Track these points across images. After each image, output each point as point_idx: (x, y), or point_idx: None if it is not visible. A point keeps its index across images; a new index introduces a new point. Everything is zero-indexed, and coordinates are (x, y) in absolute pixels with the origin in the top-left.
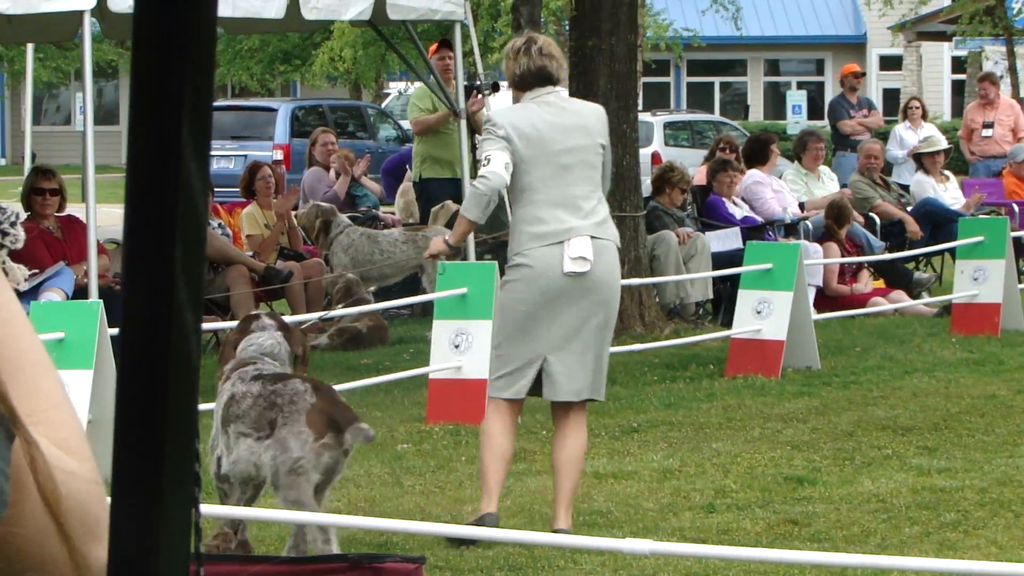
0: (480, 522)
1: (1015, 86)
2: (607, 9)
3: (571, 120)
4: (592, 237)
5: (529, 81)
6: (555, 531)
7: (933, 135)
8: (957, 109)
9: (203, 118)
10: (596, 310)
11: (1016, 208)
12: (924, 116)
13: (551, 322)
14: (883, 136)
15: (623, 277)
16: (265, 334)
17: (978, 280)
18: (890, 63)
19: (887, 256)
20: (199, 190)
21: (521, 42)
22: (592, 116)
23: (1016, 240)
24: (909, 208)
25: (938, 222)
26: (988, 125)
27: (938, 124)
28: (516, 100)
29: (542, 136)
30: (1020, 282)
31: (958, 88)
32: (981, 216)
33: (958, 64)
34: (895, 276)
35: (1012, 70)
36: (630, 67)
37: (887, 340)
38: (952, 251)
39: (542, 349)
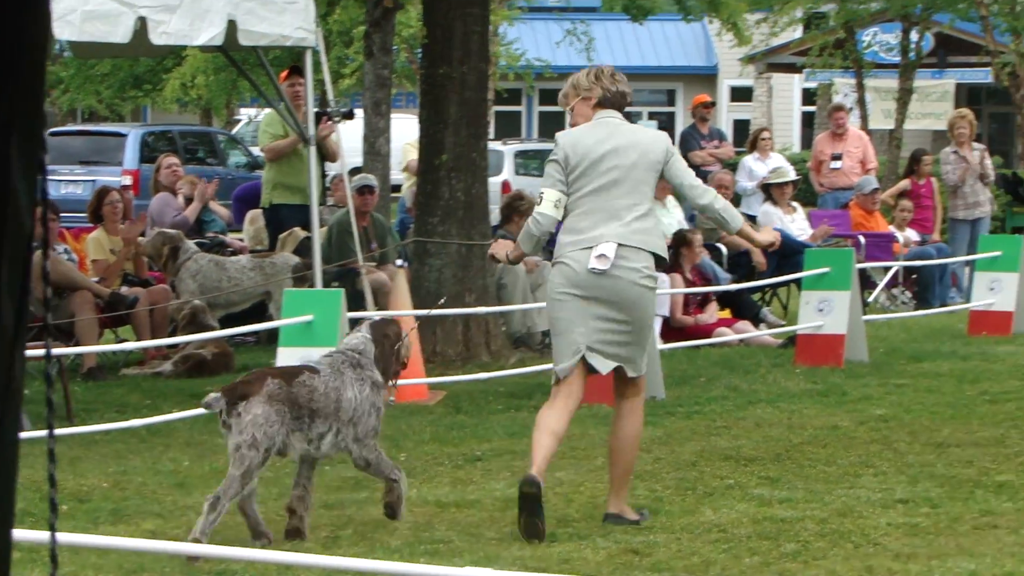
0: (522, 481)
1: (864, 118)
2: (458, 37)
3: (625, 140)
4: (620, 244)
5: (612, 102)
6: (605, 515)
7: (782, 166)
8: (807, 141)
9: (33, 137)
10: (620, 302)
11: (862, 240)
12: (773, 147)
13: (579, 310)
14: (733, 167)
15: (471, 305)
16: (357, 334)
17: (823, 311)
18: (741, 94)
19: (733, 287)
20: (26, 208)
21: (609, 69)
22: (650, 140)
23: (861, 272)
24: None
25: (785, 253)
26: (837, 157)
27: (788, 155)
28: (586, 118)
29: (591, 153)
30: (864, 313)
31: (808, 120)
32: (827, 247)
33: (808, 96)
34: (741, 307)
35: (861, 102)
36: (481, 95)
37: (732, 370)
38: (798, 282)
39: (582, 338)
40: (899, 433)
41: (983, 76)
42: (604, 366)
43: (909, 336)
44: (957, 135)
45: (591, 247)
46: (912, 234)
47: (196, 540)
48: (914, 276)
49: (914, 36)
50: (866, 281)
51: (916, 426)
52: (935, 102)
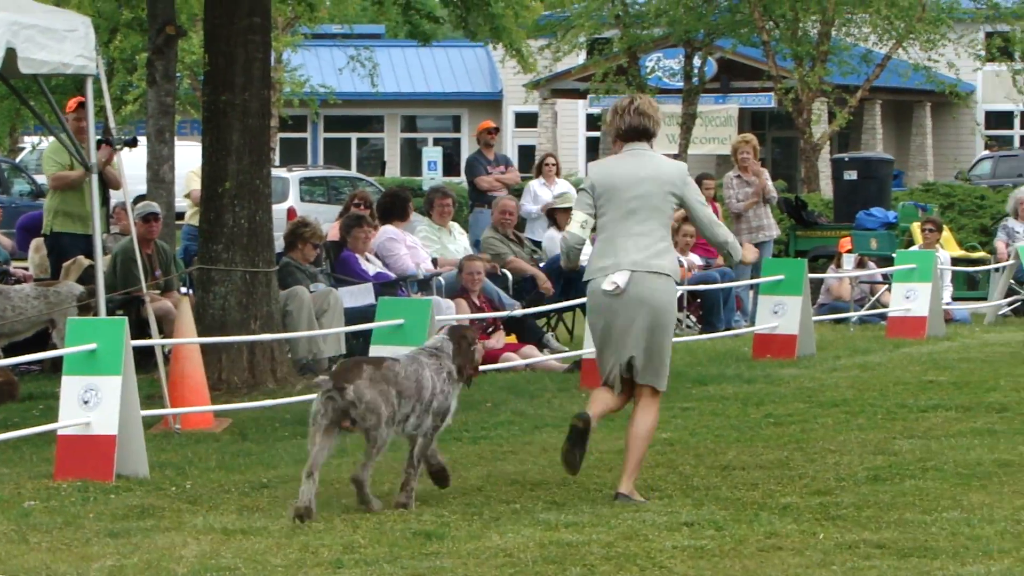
0: (576, 415)
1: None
2: (240, 64)
3: (645, 172)
4: (633, 271)
5: (628, 135)
6: (616, 494)
7: (567, 191)
8: None
9: None
10: (637, 318)
11: None
12: (558, 172)
13: (610, 329)
14: (519, 192)
15: (256, 332)
16: (438, 335)
17: None
18: (526, 120)
19: (519, 312)
20: None
21: (626, 102)
22: (668, 168)
23: None
24: (541, 264)
25: (569, 278)
26: None
27: (573, 181)
28: (618, 150)
29: (615, 185)
30: None
31: (593, 145)
32: None
33: (592, 121)
34: (527, 332)
35: None
36: (263, 122)
37: (518, 395)
38: (583, 307)
39: (614, 353)
40: (685, 456)
41: (766, 101)
42: (646, 377)
43: (694, 360)
44: (740, 160)
45: (609, 274)
46: (696, 258)
47: (303, 510)
48: (699, 300)
49: (697, 61)
50: None
51: (701, 449)
52: (719, 127)
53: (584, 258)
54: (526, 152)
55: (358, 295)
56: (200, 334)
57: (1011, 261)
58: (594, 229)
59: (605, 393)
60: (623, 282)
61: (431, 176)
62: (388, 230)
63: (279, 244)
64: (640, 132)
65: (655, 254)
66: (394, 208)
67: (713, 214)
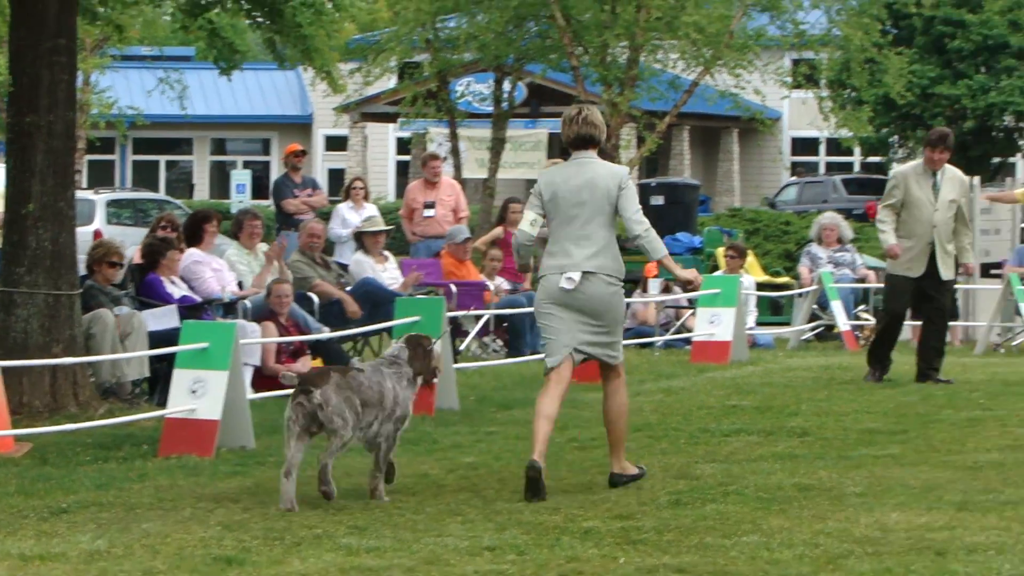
0: (527, 467)
1: (457, 167)
2: (45, 86)
3: (582, 179)
4: (584, 272)
5: (576, 143)
6: (611, 476)
7: (374, 215)
8: (401, 189)
9: None
10: (591, 312)
11: (453, 288)
12: (366, 196)
13: (563, 318)
14: (328, 215)
15: (59, 355)
16: (395, 344)
17: None
18: (336, 143)
19: (324, 335)
20: None
21: (574, 112)
22: (605, 175)
23: (453, 320)
24: (348, 287)
25: (376, 302)
26: (430, 205)
27: (382, 204)
28: (569, 156)
29: (561, 192)
30: (456, 362)
31: (403, 169)
32: (419, 296)
33: (403, 145)
34: (332, 356)
35: (455, 151)
36: (68, 144)
37: None
38: (389, 330)
39: (568, 339)
40: (488, 481)
41: None
42: (605, 354)
43: (500, 384)
44: None
45: (560, 273)
46: (503, 282)
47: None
48: (505, 324)
49: (507, 86)
50: (458, 329)
51: (505, 473)
52: (528, 151)
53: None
54: (336, 175)
55: (162, 318)
56: (1, 357)
57: (814, 287)
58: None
59: (545, 410)
60: (577, 278)
61: (239, 199)
62: (194, 253)
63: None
64: (587, 140)
65: (599, 254)
66: (195, 230)
67: (642, 217)
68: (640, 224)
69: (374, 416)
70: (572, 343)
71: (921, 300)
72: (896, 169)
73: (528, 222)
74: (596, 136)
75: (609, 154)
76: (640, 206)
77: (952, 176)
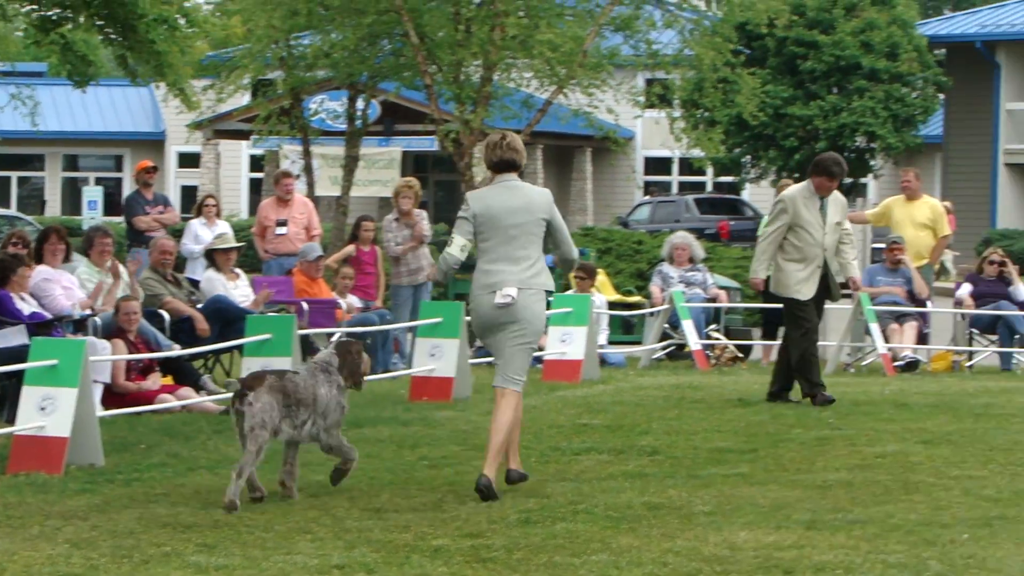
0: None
1: (311, 185)
2: None
3: (519, 202)
4: (520, 287)
5: (500, 167)
6: (509, 471)
7: (226, 232)
8: (255, 207)
9: None
10: (516, 330)
11: (305, 306)
12: (219, 213)
13: (492, 339)
14: (180, 232)
15: None
16: (326, 350)
17: None
18: (189, 160)
19: (175, 353)
20: None
21: (497, 138)
22: (536, 198)
23: (304, 338)
24: (199, 305)
25: (227, 319)
26: (282, 223)
27: (236, 222)
28: (492, 179)
29: (495, 214)
30: None
31: (256, 186)
32: (270, 314)
33: (256, 162)
34: (183, 373)
35: (308, 169)
36: None
37: (173, 437)
38: (240, 348)
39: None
40: (338, 499)
41: (429, 144)
42: (498, 383)
43: (351, 402)
44: (400, 203)
45: (495, 291)
46: (355, 300)
47: (232, 502)
48: None
49: (360, 104)
50: (310, 347)
51: (355, 492)
52: (382, 169)
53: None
54: (189, 192)
55: (11, 335)
56: None
57: (666, 306)
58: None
59: (499, 425)
60: (514, 292)
61: (91, 216)
62: (43, 270)
63: None
64: (510, 164)
65: (535, 274)
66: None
67: (569, 239)
68: (573, 248)
69: (308, 415)
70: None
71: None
72: (784, 193)
73: (459, 247)
74: (518, 161)
75: (462, 172)
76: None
77: (835, 199)
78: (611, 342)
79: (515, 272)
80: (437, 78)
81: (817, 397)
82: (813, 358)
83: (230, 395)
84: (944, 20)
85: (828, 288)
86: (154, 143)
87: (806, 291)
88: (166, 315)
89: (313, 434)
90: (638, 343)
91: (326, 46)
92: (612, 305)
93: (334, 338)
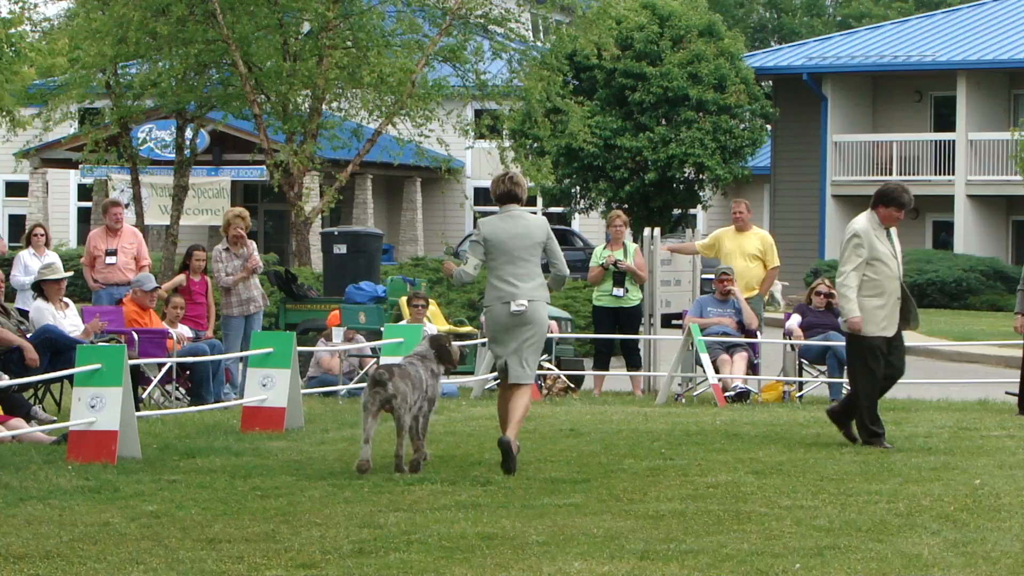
0: (499, 441)
1: (140, 214)
2: None
3: (520, 229)
4: (529, 300)
5: (503, 199)
6: (501, 439)
7: (54, 262)
8: (83, 236)
9: None
10: (529, 332)
11: (136, 336)
12: (48, 243)
13: (506, 341)
14: (9, 262)
15: None
16: (421, 344)
17: (95, 407)
18: (16, 189)
19: (4, 383)
20: None
21: (501, 174)
22: (535, 226)
23: (135, 368)
24: (29, 335)
25: (58, 349)
26: (111, 252)
27: (64, 251)
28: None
29: (502, 240)
30: (138, 410)
31: (84, 215)
32: (100, 343)
33: (84, 191)
34: (13, 404)
35: (137, 198)
36: None
37: (3, 468)
38: (71, 378)
39: (514, 353)
40: (171, 529)
41: (258, 173)
42: (513, 380)
43: (183, 432)
44: (232, 235)
45: (508, 302)
46: (185, 330)
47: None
48: (188, 372)
49: (189, 133)
50: (141, 377)
51: (188, 522)
52: (212, 198)
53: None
54: (17, 222)
55: None
56: None
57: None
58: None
59: (503, 404)
60: (525, 302)
61: None
62: None
63: None
64: (513, 197)
65: (538, 287)
66: None
67: (562, 258)
68: (565, 266)
69: (417, 397)
70: (505, 357)
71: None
72: (856, 228)
73: (472, 267)
74: (519, 194)
75: (292, 202)
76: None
77: (894, 231)
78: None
79: (523, 287)
80: (266, 108)
81: (873, 443)
82: (875, 396)
83: (58, 427)
84: (771, 52)
85: (906, 319)
86: None
87: (891, 327)
88: None
89: (416, 412)
90: (470, 373)
91: (154, 75)
92: None
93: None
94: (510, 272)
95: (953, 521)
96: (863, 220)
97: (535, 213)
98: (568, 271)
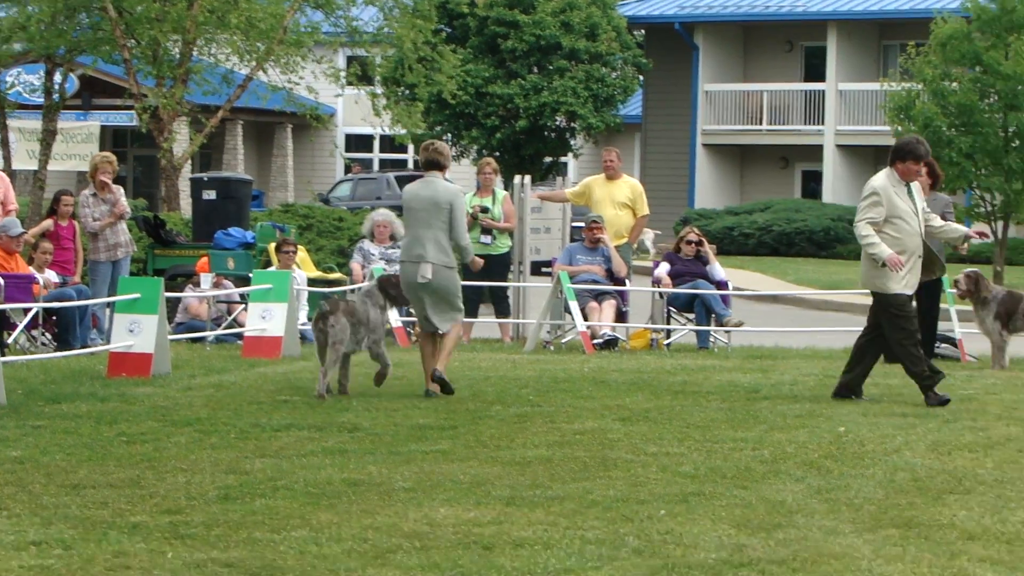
0: (434, 377)
1: (7, 159)
2: None
3: (429, 194)
4: (432, 263)
5: (426, 166)
6: (434, 372)
7: None
8: None
9: None
10: (435, 297)
11: (2, 281)
12: None
13: (416, 302)
14: None
15: None
16: (369, 283)
17: None
18: None
19: None
20: None
21: (427, 143)
22: (442, 192)
23: (1, 313)
24: None
25: None
26: None
27: None
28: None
29: (412, 204)
30: (3, 355)
31: None
32: None
33: None
34: None
35: (4, 143)
36: None
37: None
38: None
39: (422, 312)
40: (35, 475)
41: (127, 119)
42: (436, 327)
43: (48, 378)
44: (99, 180)
45: (417, 263)
46: (52, 275)
47: (321, 395)
48: (54, 318)
49: (58, 78)
50: (6, 322)
51: (52, 467)
52: (80, 144)
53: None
54: None
55: None
56: None
57: (367, 282)
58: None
59: (426, 346)
60: (429, 274)
61: None
62: None
63: None
64: (434, 164)
65: (439, 251)
66: None
67: (465, 226)
68: (464, 236)
69: (364, 332)
70: (425, 311)
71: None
72: (875, 185)
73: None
74: (441, 162)
75: (162, 147)
76: (465, 218)
77: (915, 184)
78: (311, 319)
79: (429, 250)
80: (136, 53)
81: (930, 397)
82: (917, 349)
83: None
84: (643, 1)
85: (931, 271)
86: None
87: (912, 283)
88: None
89: (367, 344)
90: None
91: (22, 18)
92: (312, 282)
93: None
94: (420, 234)
95: (817, 468)
96: (882, 177)
97: (408, 161)
98: (466, 242)
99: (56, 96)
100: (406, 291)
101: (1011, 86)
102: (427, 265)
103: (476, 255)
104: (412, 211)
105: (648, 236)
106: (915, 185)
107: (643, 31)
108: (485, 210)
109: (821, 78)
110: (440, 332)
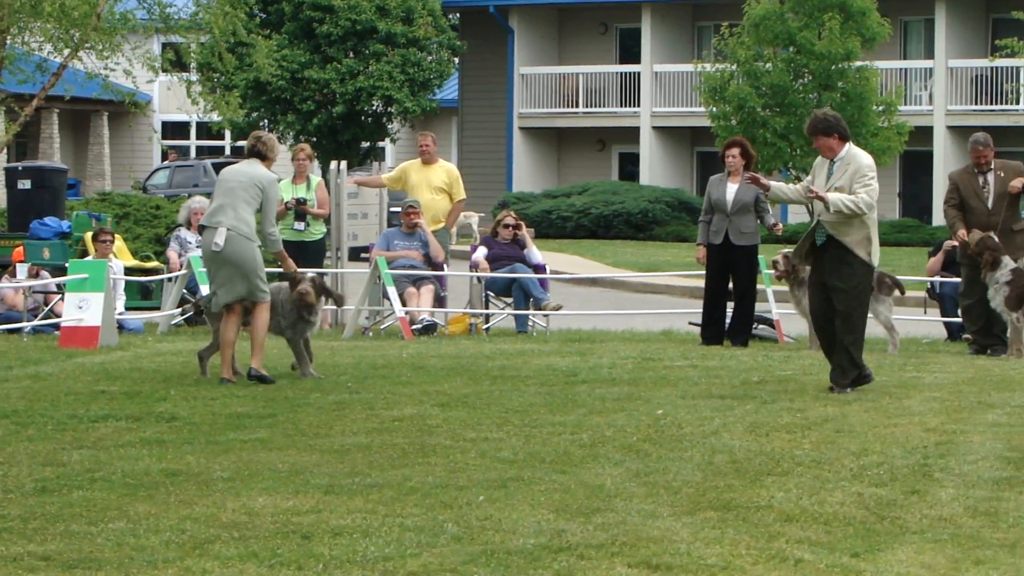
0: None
1: None
2: None
3: (247, 173)
4: (228, 229)
5: (249, 153)
6: (249, 372)
7: None
8: None
9: None
10: (231, 264)
11: None
12: None
13: (217, 269)
14: None
15: None
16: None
17: None
18: None
19: None
20: None
21: (256, 133)
22: (261, 174)
23: None
24: None
25: None
26: None
27: None
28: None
29: (227, 177)
30: None
31: None
32: None
33: None
34: None
35: None
36: None
37: None
38: None
39: (228, 290)
40: None
41: None
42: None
43: None
44: None
45: (215, 228)
46: None
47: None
48: None
49: None
50: None
51: None
52: None
53: None
54: None
55: None
56: None
57: (184, 271)
58: None
59: (229, 338)
60: (222, 241)
61: None
62: None
63: None
64: (256, 152)
65: (240, 222)
66: None
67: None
68: (271, 224)
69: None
70: (237, 295)
71: None
72: (868, 160)
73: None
74: (264, 152)
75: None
76: (277, 209)
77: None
78: (129, 308)
79: (229, 218)
80: None
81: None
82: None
83: None
84: None
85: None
86: None
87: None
88: None
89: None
90: (156, 309)
91: None
92: (130, 271)
93: None
94: (224, 203)
95: (636, 451)
96: (869, 156)
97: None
98: (272, 230)
99: None
100: (204, 260)
101: (824, 65)
102: (221, 230)
103: (289, 241)
104: (224, 183)
105: (473, 219)
106: (835, 163)
107: (458, 15)
108: (303, 201)
109: (636, 60)
110: (223, 304)
